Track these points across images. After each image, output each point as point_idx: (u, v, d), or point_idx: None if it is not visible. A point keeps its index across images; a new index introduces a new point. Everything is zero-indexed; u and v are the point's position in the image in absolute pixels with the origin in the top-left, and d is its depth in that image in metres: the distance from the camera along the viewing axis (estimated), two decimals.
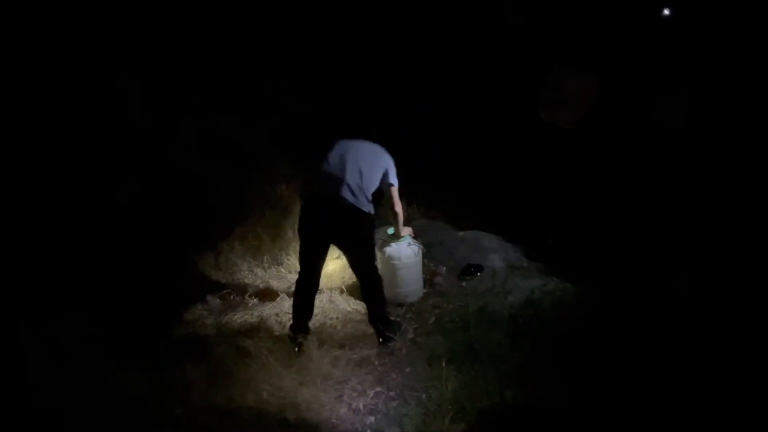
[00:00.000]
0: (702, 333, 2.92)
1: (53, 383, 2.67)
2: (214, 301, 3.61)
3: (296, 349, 3.09)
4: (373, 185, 3.16)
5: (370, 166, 3.15)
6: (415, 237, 3.77)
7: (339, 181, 3.02)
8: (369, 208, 3.09)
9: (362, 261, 3.17)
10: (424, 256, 3.96)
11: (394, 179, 3.26)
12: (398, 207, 3.38)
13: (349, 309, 3.63)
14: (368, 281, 3.19)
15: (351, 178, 3.04)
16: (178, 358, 2.89)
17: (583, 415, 2.55)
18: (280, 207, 4.34)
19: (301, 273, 3.24)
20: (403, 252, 3.65)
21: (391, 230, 3.66)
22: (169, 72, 4.92)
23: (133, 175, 4.28)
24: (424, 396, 2.74)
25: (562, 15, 4.85)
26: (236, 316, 3.44)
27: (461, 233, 4.57)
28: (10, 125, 3.90)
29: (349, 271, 3.94)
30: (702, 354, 2.77)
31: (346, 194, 3.00)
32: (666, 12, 4.08)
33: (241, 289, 3.74)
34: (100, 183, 4.07)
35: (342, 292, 3.78)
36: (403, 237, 3.62)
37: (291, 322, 3.27)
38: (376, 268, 3.21)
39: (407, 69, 5.56)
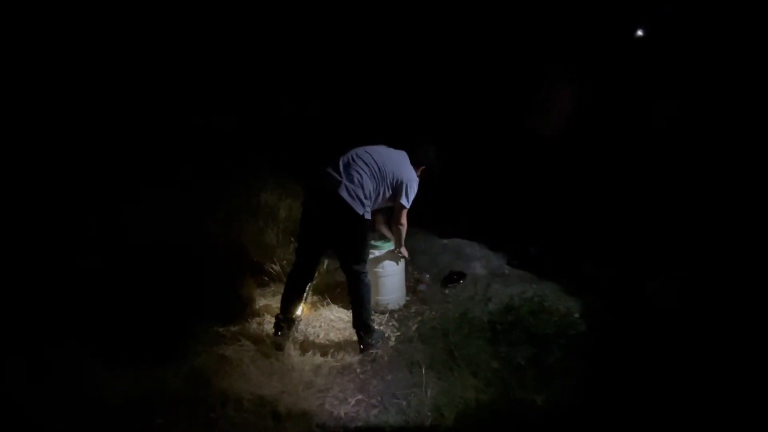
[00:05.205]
0: (684, 341, 2.97)
1: (34, 389, 2.66)
2: (196, 309, 3.60)
3: (277, 333, 3.24)
4: (377, 193, 3.19)
5: (382, 175, 3.18)
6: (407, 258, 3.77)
7: (337, 179, 3.08)
8: (363, 211, 3.07)
9: (350, 262, 3.18)
10: (408, 263, 4.00)
11: (404, 200, 3.27)
12: (401, 225, 3.39)
13: (332, 317, 3.65)
14: (354, 285, 3.20)
15: (351, 180, 3.08)
16: (159, 367, 2.88)
17: (560, 421, 2.59)
18: (263, 215, 4.34)
19: (294, 263, 3.37)
20: (386, 261, 3.69)
21: (386, 244, 3.68)
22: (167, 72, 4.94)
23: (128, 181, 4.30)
24: (404, 403, 2.77)
25: (544, 24, 4.93)
26: (218, 325, 3.44)
27: (444, 241, 4.62)
28: (11, 127, 3.91)
29: (333, 277, 3.98)
30: (683, 360, 2.83)
31: (343, 192, 3.04)
32: (639, 33, 4.24)
33: (223, 298, 3.73)
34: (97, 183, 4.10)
35: (325, 299, 3.80)
36: (388, 246, 3.66)
37: (274, 321, 3.34)
38: (364, 274, 3.21)
39: (392, 75, 5.60)
